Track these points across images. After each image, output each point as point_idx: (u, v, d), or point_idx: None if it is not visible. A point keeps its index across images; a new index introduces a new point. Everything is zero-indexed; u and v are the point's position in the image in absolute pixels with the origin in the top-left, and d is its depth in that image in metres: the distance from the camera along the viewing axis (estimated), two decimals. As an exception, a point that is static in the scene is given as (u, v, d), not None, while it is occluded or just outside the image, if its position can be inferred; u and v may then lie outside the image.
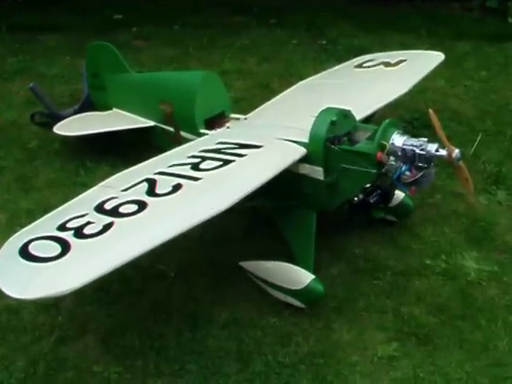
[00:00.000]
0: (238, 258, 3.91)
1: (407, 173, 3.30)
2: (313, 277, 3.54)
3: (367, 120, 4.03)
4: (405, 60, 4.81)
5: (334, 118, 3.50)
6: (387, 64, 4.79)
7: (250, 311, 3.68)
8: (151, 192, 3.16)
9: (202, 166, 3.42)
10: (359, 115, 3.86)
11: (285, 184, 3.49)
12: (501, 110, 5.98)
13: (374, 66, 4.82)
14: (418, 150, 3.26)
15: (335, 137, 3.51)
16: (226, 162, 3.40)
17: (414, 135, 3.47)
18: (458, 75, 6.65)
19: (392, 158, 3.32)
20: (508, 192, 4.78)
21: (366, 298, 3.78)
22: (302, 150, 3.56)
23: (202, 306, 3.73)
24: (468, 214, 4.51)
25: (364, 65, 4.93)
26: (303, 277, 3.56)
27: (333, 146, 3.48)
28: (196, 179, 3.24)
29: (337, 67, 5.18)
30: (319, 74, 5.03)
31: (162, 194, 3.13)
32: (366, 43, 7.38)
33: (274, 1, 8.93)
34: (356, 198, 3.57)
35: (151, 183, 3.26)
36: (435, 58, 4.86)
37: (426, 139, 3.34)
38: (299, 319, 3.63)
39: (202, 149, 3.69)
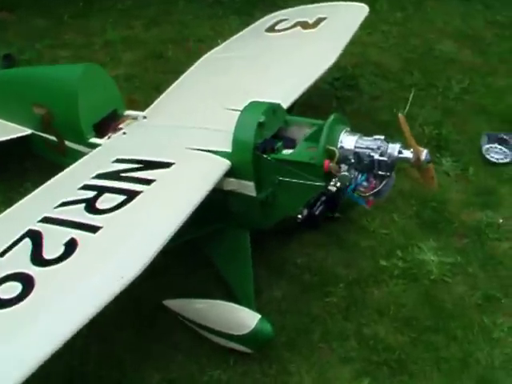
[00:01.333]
0: (164, 296, 3.14)
1: (364, 183, 2.62)
2: (258, 317, 2.86)
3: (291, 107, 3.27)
4: (324, 18, 4.04)
5: (262, 119, 2.74)
6: (305, 25, 4.01)
7: (187, 366, 2.97)
8: (37, 257, 2.32)
9: (99, 204, 2.58)
10: (285, 102, 3.11)
11: (207, 205, 2.72)
12: (425, 57, 5.41)
13: (289, 28, 4.03)
14: (376, 156, 2.57)
15: (266, 142, 2.75)
16: (131, 196, 2.58)
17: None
18: (372, 19, 5.90)
19: (343, 166, 2.61)
20: (454, 158, 4.25)
21: (322, 324, 3.16)
22: (225, 163, 2.79)
23: (127, 369, 2.96)
24: (415, 194, 3.94)
25: (277, 27, 4.12)
26: (247, 318, 2.87)
27: (264, 156, 2.72)
28: (94, 229, 2.41)
29: (243, 32, 4.32)
30: (223, 44, 4.16)
31: (51, 259, 2.29)
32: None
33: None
34: (300, 216, 2.85)
35: (36, 240, 2.41)
36: (358, 10, 4.13)
37: (382, 137, 2.65)
38: (248, 367, 2.97)
39: (95, 174, 2.82)
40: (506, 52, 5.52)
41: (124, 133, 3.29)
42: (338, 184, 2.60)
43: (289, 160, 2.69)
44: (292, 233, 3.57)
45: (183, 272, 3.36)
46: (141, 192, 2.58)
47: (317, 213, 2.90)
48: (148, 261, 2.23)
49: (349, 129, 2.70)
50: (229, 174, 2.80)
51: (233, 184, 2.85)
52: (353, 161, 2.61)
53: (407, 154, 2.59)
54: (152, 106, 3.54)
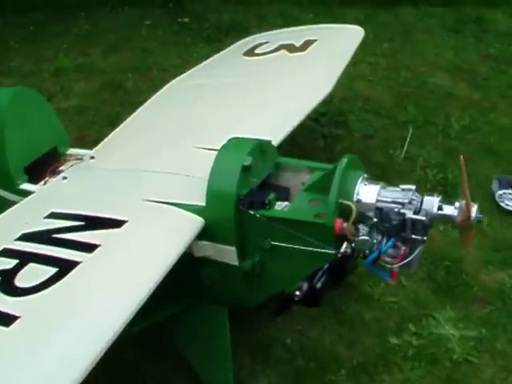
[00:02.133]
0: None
1: (390, 251, 1.92)
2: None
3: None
4: (314, 40, 3.40)
5: (248, 161, 2.04)
6: (290, 48, 3.37)
7: None
8: None
9: (19, 279, 1.84)
10: (273, 140, 2.41)
11: (172, 277, 1.99)
12: (420, 91, 4.84)
13: (273, 51, 3.37)
14: (409, 214, 1.88)
15: (253, 194, 2.04)
16: (64, 268, 1.83)
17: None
18: (357, 49, 5.39)
19: (362, 227, 1.92)
20: (463, 209, 3.58)
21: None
22: (198, 222, 2.06)
23: None
24: (424, 251, 3.25)
25: (256, 51, 3.46)
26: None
27: (251, 212, 2.01)
28: (7, 320, 1.65)
29: (216, 57, 3.65)
30: (192, 70, 3.47)
31: None
32: (238, 17, 5.92)
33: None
34: (298, 292, 2.13)
35: None
36: (352, 33, 3.50)
37: (412, 187, 1.97)
38: None
39: (20, 233, 2.07)
40: (504, 87, 5.01)
41: (64, 177, 2.54)
42: (355, 252, 1.90)
43: (285, 218, 1.98)
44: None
45: (142, 360, 2.59)
46: (78, 263, 1.83)
47: (318, 286, 2.18)
48: (84, 373, 1.47)
49: (366, 176, 2.02)
50: (202, 235, 2.07)
51: (207, 249, 2.13)
52: (375, 220, 1.92)
53: (450, 210, 1.91)
54: (102, 143, 2.81)
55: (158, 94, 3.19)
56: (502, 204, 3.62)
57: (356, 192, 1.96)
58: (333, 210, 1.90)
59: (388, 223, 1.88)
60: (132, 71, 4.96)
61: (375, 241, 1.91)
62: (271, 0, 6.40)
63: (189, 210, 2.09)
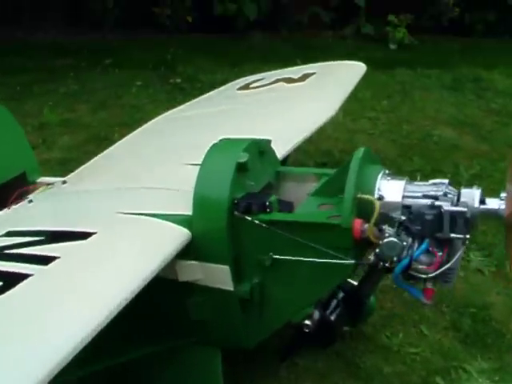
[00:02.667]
0: None
1: (423, 258, 1.54)
2: None
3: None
4: (312, 73, 3.16)
5: (244, 158, 1.69)
6: (288, 80, 3.12)
7: None
8: None
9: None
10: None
11: (149, 306, 1.59)
12: (424, 143, 4.59)
13: (269, 84, 3.12)
14: (447, 206, 1.52)
15: (251, 197, 1.68)
16: (11, 281, 1.44)
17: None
18: (354, 107, 5.20)
19: (388, 229, 1.54)
20: (484, 253, 3.25)
21: None
22: (183, 234, 1.68)
23: None
24: (444, 298, 2.88)
25: (252, 85, 3.20)
26: None
27: (248, 218, 1.64)
28: None
29: (209, 94, 3.40)
30: (187, 104, 3.22)
31: None
32: (231, 77, 5.73)
33: (106, 41, 7.07)
34: (309, 322, 1.72)
35: None
36: (354, 67, 3.27)
37: (445, 181, 1.63)
38: None
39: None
40: (511, 137, 4.77)
41: (30, 201, 2.17)
42: (380, 260, 1.52)
43: (291, 222, 1.60)
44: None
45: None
46: (29, 275, 1.43)
47: (332, 318, 1.77)
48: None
49: (388, 171, 1.67)
50: (188, 253, 1.69)
51: (194, 271, 1.74)
52: (403, 218, 1.55)
53: (495, 203, 1.55)
54: (77, 170, 2.47)
55: (146, 124, 2.91)
56: (526, 248, 3.26)
57: (377, 188, 1.60)
58: (350, 208, 1.54)
59: (420, 220, 1.52)
60: (119, 125, 4.70)
61: (405, 243, 1.54)
62: (266, 63, 6.27)
63: (172, 220, 1.72)
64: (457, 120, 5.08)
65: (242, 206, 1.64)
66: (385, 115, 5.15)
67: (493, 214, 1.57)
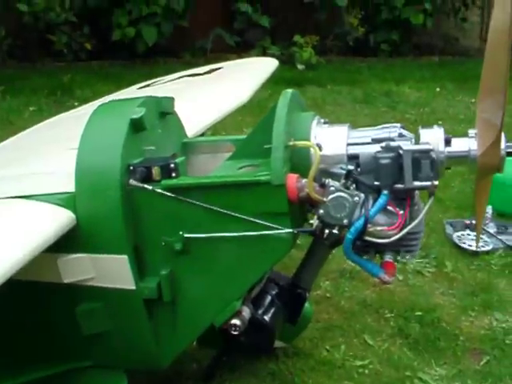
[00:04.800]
0: None
1: (380, 218, 1.20)
2: None
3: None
4: (220, 68, 2.85)
5: (139, 114, 1.29)
6: (194, 75, 2.79)
7: None
8: None
9: None
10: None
11: (25, 320, 1.14)
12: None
13: (172, 80, 2.78)
14: (406, 145, 1.20)
15: (151, 161, 1.28)
16: None
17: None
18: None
19: (332, 183, 1.19)
20: (421, 254, 2.98)
21: None
22: (64, 216, 1.26)
23: None
24: (386, 303, 2.61)
25: (154, 84, 2.84)
26: None
27: (148, 187, 1.24)
28: None
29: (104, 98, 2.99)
30: (84, 106, 2.83)
31: None
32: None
33: (-1, 69, 6.51)
34: (238, 322, 1.32)
35: None
36: (265, 62, 2.99)
37: (397, 124, 1.31)
38: None
39: None
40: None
41: None
42: (327, 224, 1.16)
43: (207, 186, 1.22)
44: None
45: None
46: None
47: (267, 319, 1.38)
48: None
49: (322, 120, 1.33)
50: (71, 242, 1.26)
51: (81, 267, 1.31)
52: (351, 168, 1.20)
53: (463, 143, 1.25)
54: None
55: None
56: (463, 246, 3.07)
57: (313, 136, 1.26)
58: (280, 160, 1.18)
59: (373, 169, 1.18)
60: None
61: (356, 199, 1.19)
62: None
63: (47, 200, 1.29)
64: (372, 129, 4.94)
65: (138, 171, 1.24)
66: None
67: (462, 158, 1.26)
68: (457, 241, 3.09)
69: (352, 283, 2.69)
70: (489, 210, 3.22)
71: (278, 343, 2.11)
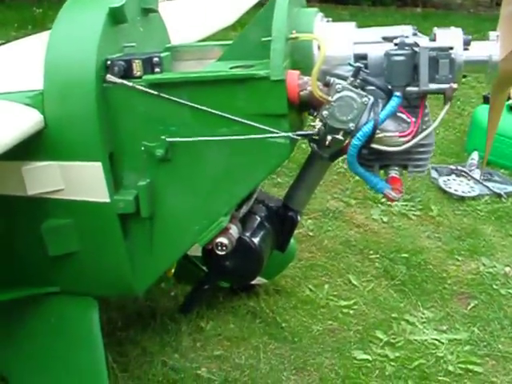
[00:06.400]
0: None
1: (390, 123, 1.06)
2: None
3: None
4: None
5: (119, 3, 1.12)
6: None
7: None
8: None
9: None
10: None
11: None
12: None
13: None
14: (423, 42, 1.05)
15: (132, 57, 1.11)
16: None
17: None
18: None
19: (338, 82, 1.04)
20: (405, 197, 2.88)
21: None
22: (30, 116, 1.09)
23: None
24: (372, 244, 2.55)
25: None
26: None
27: (127, 83, 1.07)
28: None
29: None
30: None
31: None
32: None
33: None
34: (223, 239, 1.18)
35: None
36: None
37: (407, 27, 1.16)
38: None
39: None
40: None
41: None
42: (331, 129, 1.02)
43: (194, 81, 1.06)
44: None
45: None
46: None
47: (256, 241, 1.25)
48: None
49: (326, 18, 1.18)
50: (37, 148, 1.10)
51: (49, 176, 1.15)
52: (360, 66, 1.05)
53: (485, 47, 1.10)
54: None
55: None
56: (449, 190, 2.98)
57: (316, 32, 1.10)
58: (281, 53, 1.02)
59: (385, 68, 1.04)
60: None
61: (365, 100, 1.05)
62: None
63: (11, 99, 1.12)
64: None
65: (117, 65, 1.07)
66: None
67: (481, 63, 1.12)
68: (443, 185, 2.99)
69: (335, 223, 2.58)
70: (475, 156, 3.14)
71: (258, 279, 2.01)
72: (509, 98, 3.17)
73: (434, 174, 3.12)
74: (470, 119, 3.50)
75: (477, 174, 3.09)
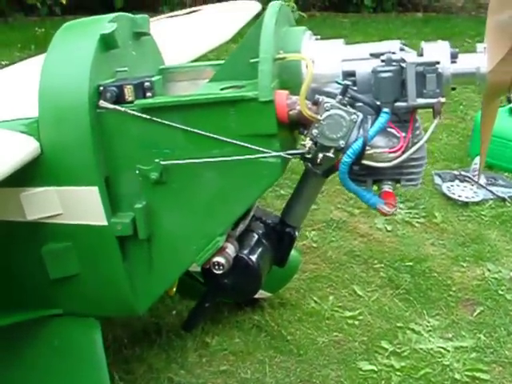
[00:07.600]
0: None
1: (380, 139, 1.08)
2: None
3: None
4: (198, 9, 2.69)
5: (110, 29, 1.14)
6: (172, 17, 2.62)
7: None
8: None
9: None
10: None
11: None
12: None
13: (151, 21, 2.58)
14: (410, 57, 1.07)
15: (124, 82, 1.14)
16: None
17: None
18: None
19: (326, 101, 1.05)
20: (407, 204, 2.92)
21: None
22: (27, 145, 1.11)
23: None
24: (376, 253, 2.55)
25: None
26: None
27: (120, 108, 1.09)
28: None
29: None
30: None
31: None
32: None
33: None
34: (220, 259, 1.19)
35: None
36: (248, 6, 2.81)
37: (395, 41, 1.17)
38: None
39: None
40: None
41: None
42: (321, 147, 1.04)
43: (186, 105, 1.08)
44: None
45: None
46: None
47: (254, 259, 1.26)
48: None
49: (314, 36, 1.20)
50: (35, 174, 1.12)
51: (47, 201, 1.16)
52: (347, 83, 1.07)
53: (471, 59, 1.12)
54: None
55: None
56: (453, 196, 2.96)
57: (305, 51, 1.12)
58: (269, 74, 1.04)
59: (373, 84, 1.05)
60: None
61: (354, 118, 1.06)
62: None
63: (7, 127, 1.14)
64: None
65: (109, 91, 1.09)
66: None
67: (469, 75, 1.13)
68: (446, 191, 2.99)
69: (339, 233, 2.59)
70: (478, 161, 3.14)
71: (262, 293, 2.02)
72: (509, 102, 3.18)
73: (437, 180, 3.12)
74: (473, 123, 3.50)
75: (481, 178, 3.09)
